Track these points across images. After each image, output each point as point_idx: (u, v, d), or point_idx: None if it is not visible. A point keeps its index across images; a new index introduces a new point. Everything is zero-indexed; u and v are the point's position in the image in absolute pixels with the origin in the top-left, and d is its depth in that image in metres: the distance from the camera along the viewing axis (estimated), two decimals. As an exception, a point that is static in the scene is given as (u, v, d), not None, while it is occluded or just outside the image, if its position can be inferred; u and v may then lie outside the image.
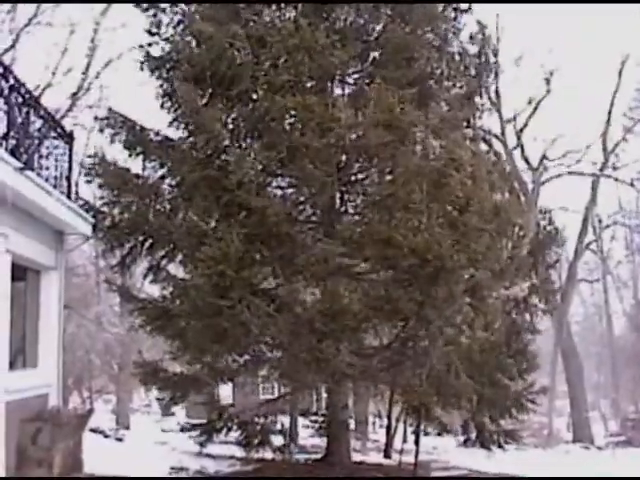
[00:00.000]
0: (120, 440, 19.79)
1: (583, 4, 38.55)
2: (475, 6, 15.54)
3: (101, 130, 14.57)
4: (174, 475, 13.94)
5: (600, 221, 41.26)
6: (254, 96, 13.81)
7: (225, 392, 28.01)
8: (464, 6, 15.30)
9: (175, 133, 14.39)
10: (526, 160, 37.07)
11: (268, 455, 15.82)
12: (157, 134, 14.67)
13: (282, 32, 13.22)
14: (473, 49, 15.37)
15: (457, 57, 15.16)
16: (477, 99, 15.74)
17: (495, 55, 15.99)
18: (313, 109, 12.67)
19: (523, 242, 15.40)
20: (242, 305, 12.21)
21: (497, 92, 32.93)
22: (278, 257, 13.06)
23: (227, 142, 13.52)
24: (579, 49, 52.05)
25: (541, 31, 47.81)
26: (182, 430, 16.47)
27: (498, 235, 13.39)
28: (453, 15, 15.20)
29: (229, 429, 15.51)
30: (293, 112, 13.01)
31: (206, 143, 13.16)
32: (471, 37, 15.30)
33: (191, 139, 13.88)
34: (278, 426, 16.16)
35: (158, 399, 18.21)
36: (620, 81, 36.52)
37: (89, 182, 14.56)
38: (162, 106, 14.36)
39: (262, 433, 15.37)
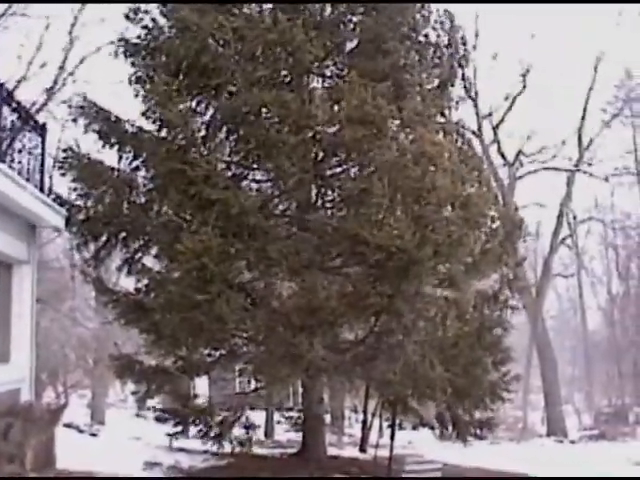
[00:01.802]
0: (94, 435, 19.65)
1: (560, 4, 38.68)
2: (454, 5, 15.68)
3: (75, 119, 14.38)
4: (147, 470, 13.89)
5: (575, 217, 41.55)
6: (233, 89, 13.74)
7: (203, 386, 27.99)
8: None
9: (148, 124, 14.24)
10: (502, 155, 37.25)
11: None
12: (132, 125, 14.52)
13: (260, 27, 13.17)
14: (444, 40, 15.45)
15: (429, 48, 15.19)
16: (450, 89, 15.80)
17: (464, 44, 16.01)
18: (289, 105, 12.65)
19: (495, 234, 15.49)
20: (221, 299, 12.17)
21: (470, 85, 32.99)
22: (252, 251, 13.02)
23: (197, 135, 13.44)
24: (555, 46, 52.27)
25: (518, 28, 47.96)
26: (156, 416, 16.37)
27: (469, 228, 13.42)
28: (420, 4, 15.23)
29: (194, 419, 15.44)
30: (269, 107, 12.96)
31: (174, 137, 13.08)
32: (437, 22, 15.34)
33: (162, 132, 13.76)
34: (244, 419, 16.10)
35: (133, 393, 18.09)
36: (595, 78, 36.83)
37: (63, 175, 14.40)
38: (136, 94, 14.15)
39: (223, 425, 15.30)
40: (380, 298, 12.43)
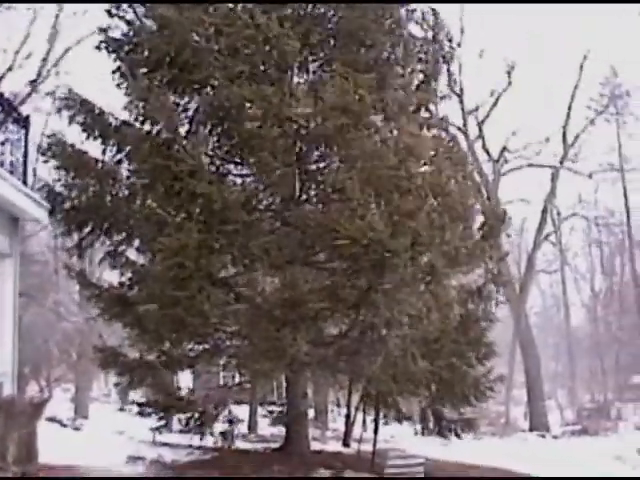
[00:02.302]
0: (77, 429, 19.62)
1: (549, 4, 38.85)
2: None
3: (59, 110, 14.35)
4: (130, 464, 13.87)
5: (559, 213, 41.76)
6: (215, 83, 13.74)
7: (186, 380, 27.93)
8: None
9: (132, 117, 14.20)
10: (487, 151, 37.35)
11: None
12: (116, 118, 14.51)
13: (237, 23, 13.17)
14: (429, 36, 15.50)
15: (413, 43, 15.23)
16: (433, 84, 15.85)
17: (450, 40, 16.08)
18: (270, 99, 12.65)
19: (475, 226, 15.57)
20: (202, 296, 12.16)
21: (455, 81, 33.14)
22: (235, 246, 13.02)
23: (179, 130, 13.43)
24: (542, 43, 52.58)
25: (504, 26, 48.19)
26: (139, 408, 16.30)
27: (450, 218, 13.46)
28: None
29: (177, 411, 15.42)
30: (250, 102, 12.96)
31: (158, 131, 13.06)
32: (423, 18, 15.40)
33: (145, 126, 13.74)
34: (226, 413, 16.10)
35: (116, 384, 18.05)
36: (581, 75, 36.99)
37: (46, 162, 14.35)
38: (119, 88, 14.13)
39: (205, 418, 15.29)
40: (356, 292, 12.44)
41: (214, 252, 12.51)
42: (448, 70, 16.56)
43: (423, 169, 12.80)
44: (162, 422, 15.57)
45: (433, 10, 15.57)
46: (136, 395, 26.16)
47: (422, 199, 12.78)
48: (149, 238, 13.23)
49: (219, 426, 16.06)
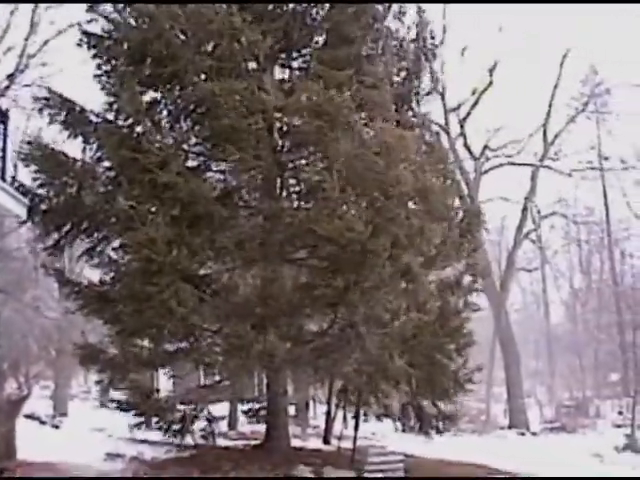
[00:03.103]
0: (56, 426, 19.54)
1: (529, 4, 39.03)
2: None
3: (40, 110, 14.29)
4: (109, 461, 13.84)
5: (539, 211, 42.01)
6: (190, 78, 13.75)
7: (165, 379, 27.81)
8: None
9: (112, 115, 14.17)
10: (468, 149, 37.51)
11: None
12: (97, 115, 14.46)
13: (203, 19, 13.19)
14: (411, 33, 15.56)
15: (394, 40, 15.28)
16: (416, 82, 15.89)
17: (432, 38, 16.13)
18: (240, 93, 12.64)
19: (454, 224, 15.65)
20: (170, 291, 12.12)
21: (436, 79, 33.15)
22: (208, 240, 13.02)
23: (148, 124, 13.40)
24: (523, 42, 52.74)
25: (486, 24, 48.41)
26: (118, 406, 16.21)
27: (430, 219, 13.52)
28: None
29: (155, 414, 15.35)
30: (220, 97, 12.94)
31: (130, 125, 13.02)
32: (400, 12, 15.43)
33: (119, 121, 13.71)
34: (205, 412, 16.04)
35: (97, 382, 17.96)
36: (561, 74, 37.22)
37: (26, 166, 14.27)
38: (100, 85, 14.09)
39: (184, 419, 15.25)
40: (334, 290, 12.47)
41: (182, 248, 12.49)
42: (431, 68, 16.54)
43: (404, 169, 12.78)
44: (141, 420, 15.49)
45: (418, 7, 15.60)
46: (116, 393, 26.10)
47: (404, 201, 12.82)
48: (121, 234, 13.19)
49: (199, 424, 15.98)
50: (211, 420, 15.93)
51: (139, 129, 13.23)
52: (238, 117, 12.54)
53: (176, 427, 15.14)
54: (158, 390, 16.80)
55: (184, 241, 12.43)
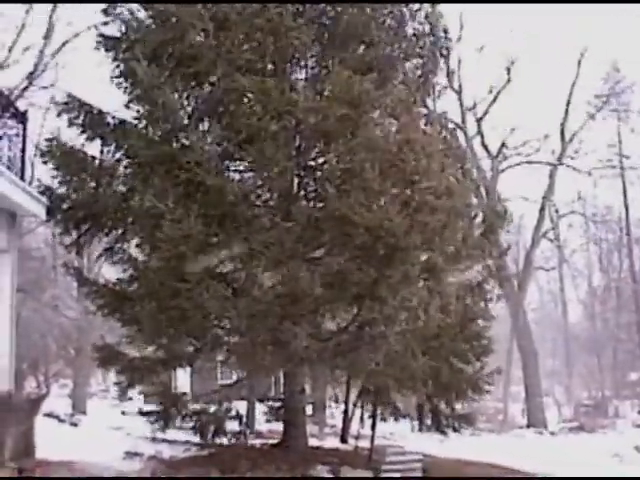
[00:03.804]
0: (75, 425, 19.65)
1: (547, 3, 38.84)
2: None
3: (59, 114, 14.40)
4: (128, 460, 13.89)
5: (557, 210, 41.72)
6: (212, 78, 13.74)
7: (184, 377, 27.90)
8: None
9: (131, 115, 14.19)
10: (485, 148, 37.30)
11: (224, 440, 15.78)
12: (114, 117, 14.54)
13: (247, 11, 13.15)
14: (425, 29, 15.51)
15: (412, 38, 15.23)
16: (432, 79, 15.86)
17: (446, 33, 16.06)
18: (270, 92, 12.63)
19: (475, 223, 15.57)
20: (201, 287, 12.15)
21: (452, 74, 33.09)
22: (236, 240, 13.02)
23: (185, 121, 13.42)
24: (541, 39, 52.66)
25: (503, 22, 48.36)
26: (140, 414, 16.29)
27: (454, 215, 13.48)
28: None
29: (184, 417, 15.41)
30: (250, 95, 12.94)
31: (164, 121, 13.04)
32: (427, 17, 15.39)
33: (147, 118, 13.70)
34: (233, 412, 16.08)
35: (116, 383, 18.08)
36: (579, 72, 36.96)
37: (45, 163, 14.37)
38: (118, 87, 14.15)
39: (216, 421, 15.28)
40: (364, 281, 12.44)
41: (213, 246, 12.51)
42: (446, 64, 16.49)
43: (432, 164, 12.78)
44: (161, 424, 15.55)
45: (431, 3, 15.56)
46: (137, 396, 26.24)
47: (432, 196, 12.79)
48: (148, 233, 13.19)
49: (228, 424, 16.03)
50: (240, 419, 15.98)
51: (168, 128, 13.17)
52: (266, 116, 12.52)
53: (210, 429, 15.20)
54: (185, 393, 16.85)
55: (211, 240, 12.45)
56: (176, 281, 12.10)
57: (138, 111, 13.75)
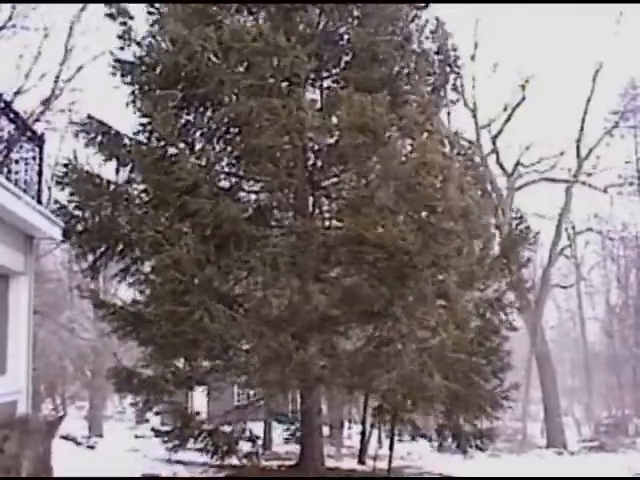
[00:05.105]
0: (92, 447, 19.61)
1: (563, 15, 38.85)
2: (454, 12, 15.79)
3: (77, 135, 14.54)
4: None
5: (574, 227, 41.52)
6: (222, 98, 13.84)
7: (201, 397, 27.84)
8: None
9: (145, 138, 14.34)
10: (501, 166, 37.22)
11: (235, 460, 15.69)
12: (131, 139, 14.65)
13: (246, 37, 13.27)
14: (434, 47, 15.57)
15: (422, 56, 15.28)
16: (442, 95, 15.87)
17: (455, 50, 16.09)
18: (278, 111, 12.69)
19: (493, 243, 15.49)
20: (201, 310, 12.15)
21: (462, 89, 33.08)
22: (239, 260, 13.07)
23: (182, 147, 13.51)
24: (556, 57, 52.66)
25: (518, 39, 48.43)
26: (155, 434, 16.24)
27: (468, 237, 13.43)
28: (414, 13, 15.33)
29: (197, 437, 15.33)
30: (258, 115, 12.99)
31: (163, 147, 13.14)
32: (433, 32, 15.45)
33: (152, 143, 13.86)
34: (247, 433, 15.99)
35: (132, 404, 18.07)
36: (594, 88, 36.81)
37: (62, 189, 14.50)
38: (134, 111, 14.29)
39: (229, 441, 15.20)
40: (379, 300, 12.38)
41: (214, 266, 12.52)
42: (455, 79, 16.45)
43: (449, 187, 12.77)
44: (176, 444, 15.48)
45: (437, 19, 15.61)
46: (151, 415, 26.17)
47: (449, 220, 12.78)
48: (152, 255, 13.32)
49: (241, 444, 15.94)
50: (254, 440, 15.90)
51: (172, 150, 13.32)
52: (275, 135, 12.57)
53: (223, 450, 15.10)
54: (198, 413, 16.78)
55: (212, 261, 12.47)
56: (177, 305, 12.13)
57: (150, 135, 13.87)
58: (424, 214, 12.67)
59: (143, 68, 14.26)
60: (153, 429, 16.60)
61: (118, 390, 16.72)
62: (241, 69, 13.44)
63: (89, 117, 14.72)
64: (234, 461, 15.47)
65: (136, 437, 25.58)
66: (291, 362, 12.42)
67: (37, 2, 25.13)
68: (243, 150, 13.45)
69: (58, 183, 14.41)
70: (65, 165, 14.44)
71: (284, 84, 13.91)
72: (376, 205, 12.53)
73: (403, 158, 13.38)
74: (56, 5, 26.13)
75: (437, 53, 15.56)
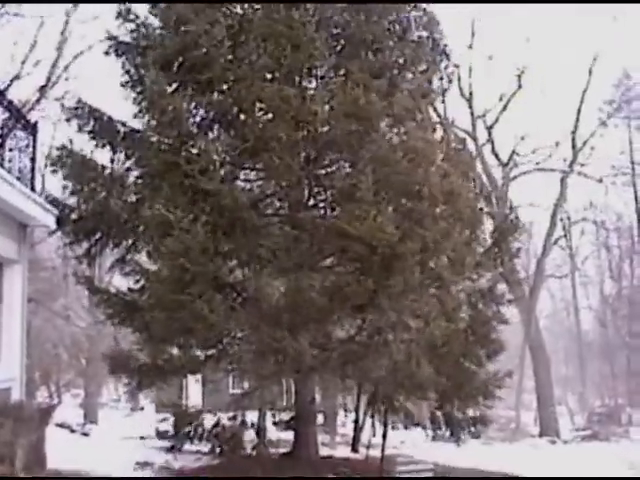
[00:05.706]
0: (86, 435, 19.66)
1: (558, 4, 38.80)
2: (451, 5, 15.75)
3: (68, 120, 14.46)
4: (139, 470, 13.88)
5: (569, 217, 41.58)
6: (223, 86, 13.75)
7: (195, 386, 27.93)
8: None
9: (141, 124, 14.21)
10: (496, 156, 37.22)
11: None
12: (124, 125, 14.59)
13: (268, 18, 13.15)
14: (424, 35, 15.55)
15: (416, 44, 15.24)
16: (433, 83, 15.86)
17: (442, 36, 16.04)
18: (290, 101, 12.61)
19: (482, 227, 15.50)
20: (202, 300, 12.15)
21: (451, 76, 33.00)
22: (244, 249, 13.03)
23: (193, 129, 13.42)
24: (552, 47, 52.56)
25: (514, 29, 48.29)
26: (159, 437, 16.34)
27: (454, 221, 13.43)
28: (412, 4, 15.31)
29: (201, 436, 15.43)
30: (265, 102, 12.92)
31: (171, 129, 13.00)
32: (424, 21, 15.44)
33: (154, 128, 13.70)
34: (249, 424, 16.09)
35: (126, 384, 18.05)
36: (590, 79, 36.79)
37: (55, 172, 14.43)
38: (127, 99, 14.19)
39: (233, 436, 15.27)
40: (362, 292, 12.41)
41: (217, 256, 12.50)
42: (446, 67, 16.36)
43: (432, 173, 12.76)
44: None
45: (424, 9, 15.55)
46: (146, 402, 26.23)
47: (432, 205, 12.76)
48: (156, 242, 13.21)
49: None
50: (258, 430, 15.96)
51: (175, 135, 13.13)
52: (286, 126, 12.51)
53: (230, 444, 15.20)
54: (201, 411, 16.87)
55: (218, 249, 12.45)
56: (179, 293, 12.11)
57: (148, 121, 13.74)
58: (407, 201, 12.62)
59: (139, 50, 14.13)
60: (157, 431, 16.67)
61: (112, 372, 16.69)
62: (248, 52, 13.24)
63: (79, 101, 14.58)
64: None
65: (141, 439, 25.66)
66: (286, 353, 12.44)
67: (37, 2, 25.07)
68: (242, 138, 13.33)
69: (52, 165, 14.33)
70: (59, 149, 14.39)
71: (292, 71, 13.79)
72: (357, 197, 12.51)
73: (388, 145, 13.34)
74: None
75: (428, 39, 15.52)
